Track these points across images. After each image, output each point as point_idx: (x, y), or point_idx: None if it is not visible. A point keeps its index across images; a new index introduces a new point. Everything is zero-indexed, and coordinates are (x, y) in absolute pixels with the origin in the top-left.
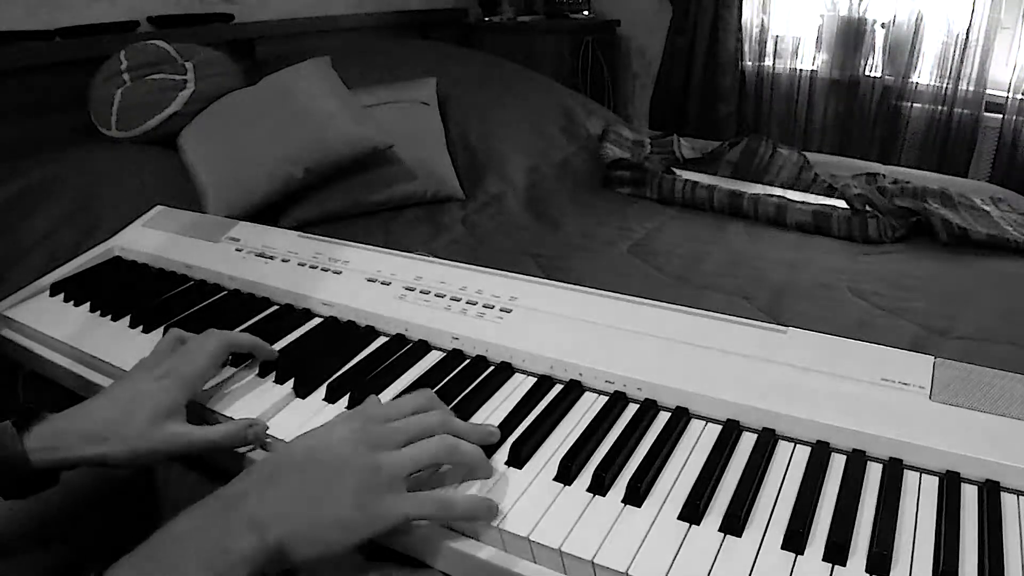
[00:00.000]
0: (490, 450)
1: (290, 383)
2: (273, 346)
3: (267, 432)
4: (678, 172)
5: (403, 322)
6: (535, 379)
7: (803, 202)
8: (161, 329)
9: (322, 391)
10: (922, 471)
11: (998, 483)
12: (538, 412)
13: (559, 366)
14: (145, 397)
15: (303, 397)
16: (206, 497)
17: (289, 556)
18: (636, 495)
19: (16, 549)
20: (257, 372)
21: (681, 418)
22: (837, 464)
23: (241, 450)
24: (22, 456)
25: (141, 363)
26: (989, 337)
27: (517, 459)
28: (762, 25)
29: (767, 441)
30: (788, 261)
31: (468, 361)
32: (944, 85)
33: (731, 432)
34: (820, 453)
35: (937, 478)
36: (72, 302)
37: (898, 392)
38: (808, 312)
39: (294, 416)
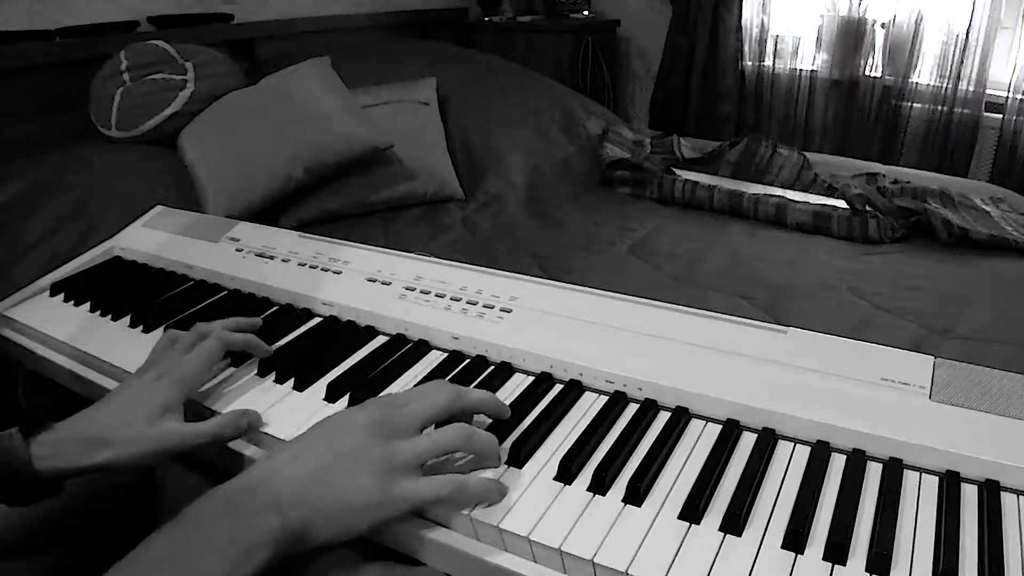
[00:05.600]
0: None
1: (290, 383)
2: (273, 346)
3: (267, 432)
4: (678, 172)
5: (403, 322)
6: (535, 379)
7: (803, 202)
8: (161, 329)
9: (322, 390)
10: (922, 471)
11: (998, 483)
12: (538, 412)
13: (559, 366)
14: (141, 399)
15: (303, 396)
16: (225, 483)
17: (311, 537)
18: (636, 495)
19: (16, 552)
20: (256, 372)
21: (681, 418)
22: (837, 464)
23: (236, 448)
24: (28, 464)
25: (139, 369)
26: (989, 337)
27: (517, 459)
28: (762, 25)
29: (767, 441)
30: (788, 261)
31: (468, 361)
32: (944, 85)
33: (731, 432)
34: (820, 453)
35: (937, 478)
36: (72, 302)
37: (898, 392)
38: (808, 312)
39: (294, 415)
